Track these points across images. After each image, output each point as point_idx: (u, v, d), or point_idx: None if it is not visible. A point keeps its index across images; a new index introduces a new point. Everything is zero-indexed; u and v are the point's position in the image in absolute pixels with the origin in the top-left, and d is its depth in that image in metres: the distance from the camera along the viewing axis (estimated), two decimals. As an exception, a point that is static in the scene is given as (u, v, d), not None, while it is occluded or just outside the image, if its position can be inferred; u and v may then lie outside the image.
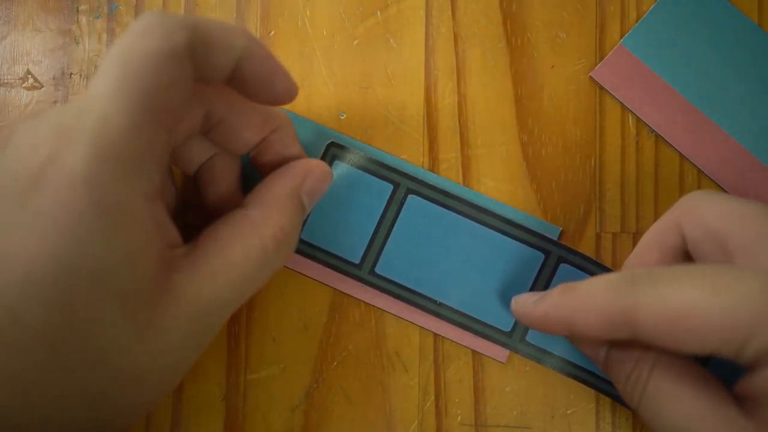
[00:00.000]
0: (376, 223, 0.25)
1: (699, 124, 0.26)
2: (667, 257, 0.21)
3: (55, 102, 0.27)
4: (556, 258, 0.25)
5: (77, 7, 0.27)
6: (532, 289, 0.25)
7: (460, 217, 0.25)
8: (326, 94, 0.26)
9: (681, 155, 0.26)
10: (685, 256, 0.21)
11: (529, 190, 0.26)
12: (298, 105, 0.26)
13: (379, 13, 0.27)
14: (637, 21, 0.26)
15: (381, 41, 0.27)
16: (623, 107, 0.26)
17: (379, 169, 0.25)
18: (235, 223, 0.20)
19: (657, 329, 0.17)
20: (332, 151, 0.25)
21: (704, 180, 0.26)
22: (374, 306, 0.26)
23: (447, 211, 0.25)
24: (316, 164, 0.23)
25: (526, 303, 0.22)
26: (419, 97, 0.26)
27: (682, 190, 0.26)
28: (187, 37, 0.18)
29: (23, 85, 0.27)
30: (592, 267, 0.25)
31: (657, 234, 0.21)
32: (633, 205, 0.26)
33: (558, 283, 0.25)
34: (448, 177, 0.26)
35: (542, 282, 0.25)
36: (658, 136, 0.26)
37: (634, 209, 0.26)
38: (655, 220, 0.25)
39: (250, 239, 0.20)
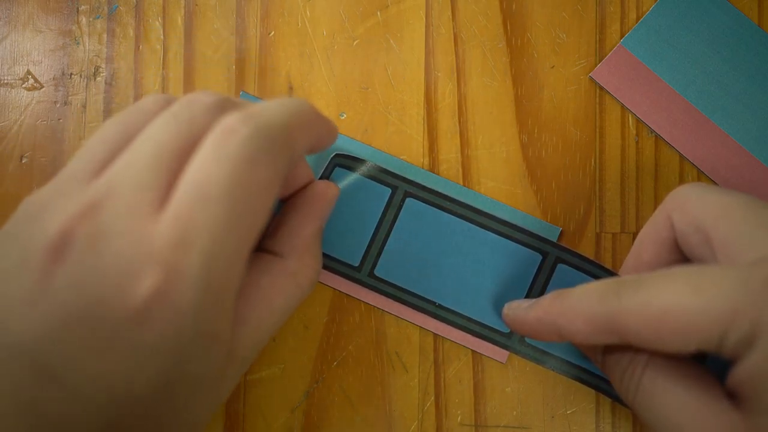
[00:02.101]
0: (374, 227, 0.25)
1: (699, 124, 0.26)
2: (662, 251, 0.21)
3: (55, 102, 0.27)
4: (553, 259, 0.25)
5: (77, 8, 0.27)
6: (530, 289, 0.25)
7: (458, 219, 0.25)
8: (326, 94, 0.26)
9: (681, 155, 0.26)
10: (678, 249, 0.21)
11: (529, 190, 0.26)
12: (298, 105, 0.26)
13: (379, 13, 0.27)
14: (637, 21, 0.26)
15: (381, 41, 0.27)
16: (623, 107, 0.26)
17: (377, 173, 0.25)
18: (274, 273, 0.21)
19: (642, 333, 0.18)
20: (335, 160, 0.26)
21: (704, 180, 0.26)
22: (374, 307, 0.26)
23: (445, 213, 0.25)
24: (330, 191, 0.23)
25: (519, 309, 0.22)
26: (419, 97, 0.26)
27: (682, 191, 0.26)
28: (290, 157, 0.18)
29: (23, 85, 0.27)
30: (590, 267, 0.25)
31: (651, 229, 0.21)
32: (633, 205, 0.26)
33: (556, 283, 0.25)
34: (448, 177, 0.26)
35: (540, 283, 0.25)
36: (658, 136, 0.26)
37: (634, 209, 0.26)
38: (655, 221, 0.25)
39: (291, 290, 0.21)
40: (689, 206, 0.20)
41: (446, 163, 0.26)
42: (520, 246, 0.25)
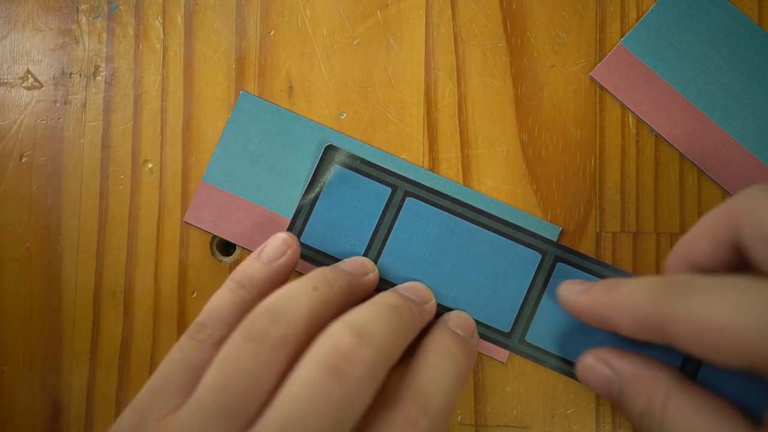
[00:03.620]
0: (374, 226, 0.25)
1: (699, 123, 0.26)
2: (719, 252, 0.20)
3: (54, 102, 0.27)
4: (552, 258, 0.25)
5: (77, 7, 0.27)
6: (530, 288, 0.25)
7: (458, 218, 0.25)
8: (326, 93, 0.26)
9: (681, 155, 0.26)
10: (736, 250, 0.20)
11: (529, 189, 0.26)
12: (298, 104, 0.26)
13: (379, 13, 0.27)
14: (637, 21, 0.26)
15: (381, 41, 0.27)
16: (623, 107, 0.26)
17: (377, 172, 0.25)
18: None
19: (687, 341, 0.18)
20: (330, 154, 0.26)
21: (704, 180, 0.26)
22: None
23: (445, 213, 0.25)
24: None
25: (572, 291, 0.22)
26: (419, 97, 0.26)
27: (682, 190, 0.26)
28: None
29: (23, 84, 0.27)
30: (590, 265, 0.25)
31: (710, 227, 0.20)
32: (633, 205, 0.26)
33: (556, 282, 0.25)
34: (448, 177, 0.26)
35: (540, 282, 0.25)
36: (658, 136, 0.26)
37: (634, 209, 0.26)
38: (655, 220, 0.25)
39: None
40: (761, 215, 0.19)
41: (446, 162, 0.26)
42: (519, 245, 0.25)
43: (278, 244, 0.23)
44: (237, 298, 0.21)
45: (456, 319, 0.24)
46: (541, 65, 0.26)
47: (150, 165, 0.26)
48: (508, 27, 0.26)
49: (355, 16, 0.27)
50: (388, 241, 0.25)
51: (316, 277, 0.21)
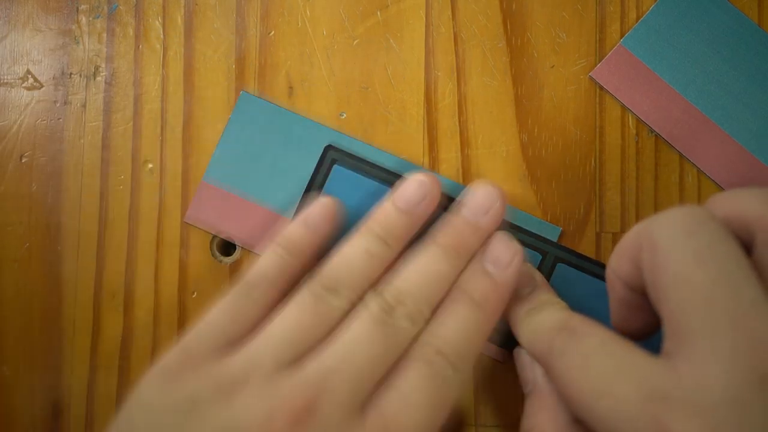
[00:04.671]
0: None
1: (699, 123, 0.26)
2: (635, 271, 0.19)
3: (54, 102, 0.27)
4: (552, 258, 0.25)
5: (77, 7, 0.27)
6: None
7: None
8: (326, 93, 0.26)
9: (681, 155, 0.26)
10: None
11: (528, 189, 0.26)
12: (299, 104, 0.26)
13: (379, 13, 0.27)
14: (637, 21, 0.26)
15: (381, 41, 0.27)
16: (623, 107, 0.26)
17: (377, 171, 0.25)
18: None
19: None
20: (330, 154, 0.25)
21: (704, 180, 0.26)
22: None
23: (445, 213, 0.25)
24: None
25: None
26: (419, 97, 0.26)
27: (682, 190, 0.26)
28: None
29: (23, 84, 0.27)
30: (590, 266, 0.25)
31: (628, 246, 0.19)
32: (633, 205, 0.26)
33: (556, 282, 0.25)
34: (448, 177, 0.26)
35: None
36: (658, 136, 0.26)
37: (634, 209, 0.26)
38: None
39: None
40: (657, 255, 0.17)
41: (446, 162, 0.26)
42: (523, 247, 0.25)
43: (324, 210, 0.24)
44: (283, 262, 0.23)
45: (492, 250, 0.23)
46: (541, 65, 0.26)
47: (150, 165, 0.26)
48: (508, 27, 0.26)
49: (355, 16, 0.27)
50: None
51: (371, 235, 0.23)
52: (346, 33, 0.27)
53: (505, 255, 0.22)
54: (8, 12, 0.27)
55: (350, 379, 0.19)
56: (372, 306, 0.21)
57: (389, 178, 0.25)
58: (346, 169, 0.26)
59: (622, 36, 0.26)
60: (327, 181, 0.26)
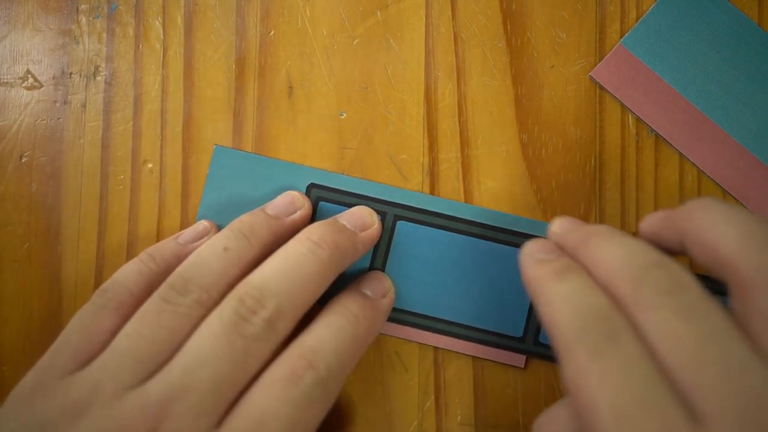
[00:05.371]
0: (370, 255, 0.25)
1: (699, 124, 0.26)
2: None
3: (54, 102, 0.27)
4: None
5: (77, 7, 0.27)
6: None
7: (453, 234, 0.25)
8: (326, 93, 0.26)
9: (681, 155, 0.26)
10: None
11: (529, 190, 0.26)
12: (298, 103, 0.26)
13: (379, 13, 0.27)
14: (637, 20, 0.26)
15: (381, 41, 0.27)
16: (623, 107, 0.26)
17: (362, 201, 0.25)
18: None
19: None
20: (314, 192, 0.25)
21: (704, 180, 0.26)
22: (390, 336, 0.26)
23: (439, 231, 0.25)
24: None
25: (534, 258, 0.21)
26: (419, 97, 0.26)
27: (682, 190, 0.26)
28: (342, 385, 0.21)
29: (23, 84, 0.27)
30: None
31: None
32: (633, 205, 0.26)
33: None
34: (448, 177, 0.26)
35: None
36: (658, 136, 0.26)
37: (634, 209, 0.26)
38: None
39: None
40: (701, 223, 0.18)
41: (446, 162, 0.26)
42: (516, 248, 0.25)
43: (199, 228, 0.24)
44: (144, 267, 0.22)
45: (367, 280, 0.24)
46: (541, 65, 0.26)
47: (150, 165, 0.26)
48: (508, 27, 0.26)
49: (355, 16, 0.27)
50: (386, 267, 0.25)
51: (231, 233, 0.22)
52: (346, 33, 0.27)
53: (381, 287, 0.24)
54: (8, 12, 0.27)
55: (195, 404, 0.18)
56: (225, 311, 0.19)
57: (375, 206, 0.25)
58: (332, 204, 0.25)
59: (622, 36, 0.26)
60: (314, 219, 0.25)
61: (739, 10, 0.26)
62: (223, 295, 0.20)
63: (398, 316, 0.25)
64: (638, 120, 0.26)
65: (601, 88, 0.26)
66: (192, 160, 0.26)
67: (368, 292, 0.23)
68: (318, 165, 0.26)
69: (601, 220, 0.26)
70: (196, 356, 0.19)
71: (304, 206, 0.24)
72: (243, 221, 0.22)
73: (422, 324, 0.25)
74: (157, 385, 0.18)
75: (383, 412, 0.25)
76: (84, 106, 0.27)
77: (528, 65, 0.26)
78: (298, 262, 0.21)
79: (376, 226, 0.24)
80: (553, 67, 0.26)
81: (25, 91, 0.27)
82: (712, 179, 0.26)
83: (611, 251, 0.18)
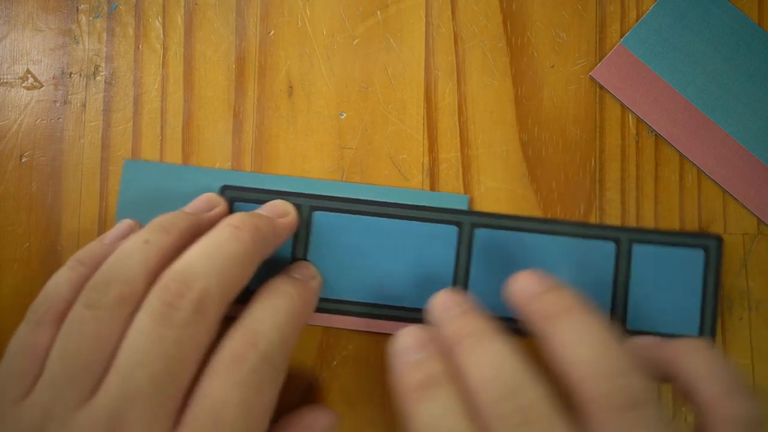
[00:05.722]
0: (291, 248, 0.25)
1: (699, 123, 0.26)
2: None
3: (54, 101, 0.27)
4: (469, 227, 0.25)
5: (77, 7, 0.27)
6: (457, 263, 0.25)
7: (371, 218, 0.25)
8: (326, 93, 0.26)
9: (681, 155, 0.26)
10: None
11: (529, 189, 0.26)
12: (298, 103, 0.26)
13: (379, 13, 0.27)
14: (637, 20, 0.26)
15: (381, 41, 0.27)
16: (623, 107, 0.26)
17: (278, 197, 0.25)
18: None
19: None
20: (228, 193, 0.25)
21: (704, 180, 0.26)
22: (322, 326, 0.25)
23: (356, 216, 0.25)
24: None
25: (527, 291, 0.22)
26: (419, 97, 0.26)
27: (682, 190, 0.26)
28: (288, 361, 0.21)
29: (23, 84, 0.27)
30: (507, 223, 0.25)
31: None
32: (633, 205, 0.26)
33: (480, 249, 0.25)
34: (448, 177, 0.26)
35: (464, 254, 0.25)
36: (658, 136, 0.26)
37: (634, 209, 0.26)
38: (655, 220, 0.25)
39: None
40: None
41: (446, 162, 0.26)
42: (434, 225, 0.25)
43: (123, 227, 0.24)
44: (74, 274, 0.21)
45: (294, 267, 0.24)
46: (541, 65, 0.26)
47: (150, 165, 0.26)
48: (508, 27, 0.26)
49: (355, 16, 0.27)
50: (308, 257, 0.25)
51: (151, 228, 0.21)
52: (346, 33, 0.27)
53: (308, 271, 0.24)
54: (8, 12, 0.27)
55: (143, 411, 0.17)
56: (152, 303, 0.19)
57: (290, 200, 0.25)
58: (247, 203, 0.25)
59: (622, 36, 0.26)
60: None
61: (739, 10, 0.26)
62: (147, 289, 0.20)
63: (326, 305, 0.25)
64: (638, 120, 0.26)
65: (601, 88, 0.26)
66: (192, 161, 0.26)
67: (297, 275, 0.23)
68: (318, 165, 0.26)
69: (601, 219, 0.26)
70: (129, 361, 0.18)
71: (220, 204, 0.24)
72: (162, 218, 0.22)
73: (353, 311, 0.25)
74: (101, 401, 0.18)
75: (383, 412, 0.25)
76: (84, 105, 0.27)
77: (528, 65, 0.26)
78: (220, 244, 0.20)
79: (293, 214, 0.24)
80: (553, 67, 0.26)
81: (25, 91, 0.27)
82: (712, 179, 0.26)
83: (480, 362, 0.19)
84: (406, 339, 0.20)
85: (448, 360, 0.19)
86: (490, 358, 0.19)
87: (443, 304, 0.21)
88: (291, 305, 0.21)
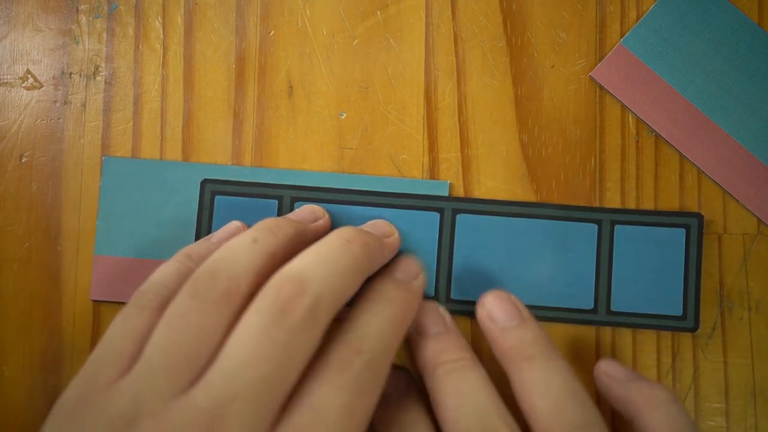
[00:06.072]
0: None
1: (699, 123, 0.26)
2: None
3: (54, 102, 0.27)
4: (450, 212, 0.25)
5: (77, 7, 0.27)
6: (439, 249, 0.25)
7: (351, 207, 0.25)
8: (326, 93, 0.26)
9: (681, 155, 0.26)
10: None
11: (529, 190, 0.26)
12: (298, 103, 0.26)
13: (379, 13, 0.27)
14: (637, 21, 0.26)
15: (381, 41, 0.27)
16: (623, 107, 0.26)
17: (259, 189, 0.25)
18: None
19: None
20: (209, 187, 0.25)
21: (704, 180, 0.26)
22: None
23: (335, 206, 0.25)
24: None
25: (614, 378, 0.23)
26: (419, 97, 0.26)
27: (682, 190, 0.26)
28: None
29: (23, 84, 0.27)
30: (489, 207, 0.25)
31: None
32: (633, 205, 0.26)
33: (462, 235, 0.25)
34: (448, 177, 0.26)
35: (446, 239, 0.25)
36: (658, 136, 0.26)
37: (634, 209, 0.26)
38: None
39: None
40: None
41: (446, 162, 0.26)
42: (416, 212, 0.25)
43: (231, 228, 0.24)
44: (182, 267, 0.21)
45: (396, 265, 0.24)
46: (541, 65, 0.26)
47: (150, 165, 0.26)
48: (508, 27, 0.26)
49: (355, 16, 0.27)
50: None
51: (258, 228, 0.21)
52: (346, 33, 0.27)
53: (412, 269, 0.23)
54: (8, 12, 0.27)
55: (245, 410, 0.17)
56: (263, 303, 0.19)
57: (270, 192, 0.25)
58: (228, 197, 0.25)
59: (622, 36, 0.26)
60: (213, 214, 0.25)
61: (739, 10, 0.26)
62: (252, 289, 0.20)
63: None
64: (638, 120, 0.26)
65: (601, 88, 0.26)
66: (192, 161, 0.26)
67: (400, 275, 0.23)
68: (318, 165, 0.26)
69: (601, 220, 0.26)
70: (236, 359, 0.18)
71: (324, 216, 0.25)
72: (270, 220, 0.22)
73: None
74: (202, 394, 0.17)
75: (383, 412, 0.25)
76: (84, 106, 0.27)
77: (528, 65, 0.26)
78: (334, 252, 0.20)
79: (396, 234, 0.24)
80: (553, 67, 0.26)
81: (25, 91, 0.27)
82: (712, 179, 0.26)
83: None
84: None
85: None
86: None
87: (501, 312, 0.23)
88: (393, 312, 0.21)
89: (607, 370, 0.23)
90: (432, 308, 0.24)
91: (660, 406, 0.21)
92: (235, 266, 0.20)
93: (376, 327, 0.20)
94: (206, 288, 0.19)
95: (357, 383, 0.19)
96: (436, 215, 0.25)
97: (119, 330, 0.19)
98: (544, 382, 0.20)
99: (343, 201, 0.25)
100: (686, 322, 0.25)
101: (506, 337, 0.22)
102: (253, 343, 0.18)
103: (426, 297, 0.25)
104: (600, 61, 0.26)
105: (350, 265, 0.20)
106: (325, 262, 0.20)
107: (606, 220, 0.25)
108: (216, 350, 0.18)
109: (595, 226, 0.25)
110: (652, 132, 0.26)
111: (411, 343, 0.24)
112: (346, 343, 0.20)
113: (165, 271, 0.21)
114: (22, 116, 0.27)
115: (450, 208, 0.25)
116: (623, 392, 0.22)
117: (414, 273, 0.23)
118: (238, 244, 0.20)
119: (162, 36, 0.27)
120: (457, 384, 0.21)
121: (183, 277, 0.21)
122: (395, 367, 0.25)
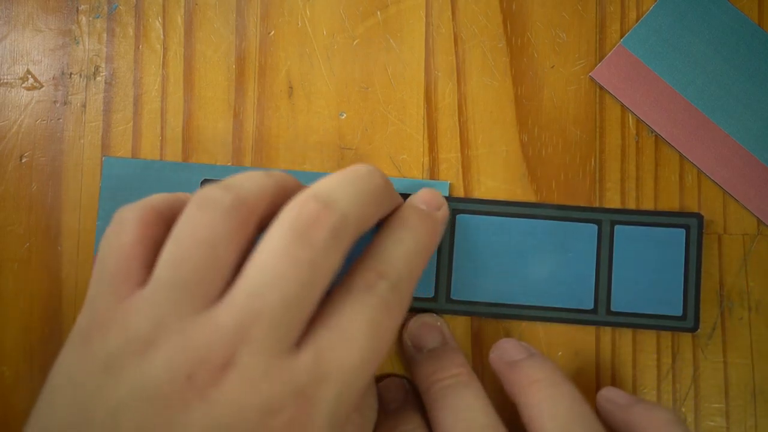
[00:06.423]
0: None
1: (699, 124, 0.26)
2: None
3: (54, 102, 0.27)
4: (450, 212, 0.25)
5: (77, 7, 0.27)
6: (439, 249, 0.25)
7: None
8: (326, 93, 0.26)
9: (681, 155, 0.26)
10: None
11: (529, 190, 0.26)
12: (298, 103, 0.26)
13: (379, 13, 0.27)
14: (637, 21, 0.26)
15: (381, 41, 0.27)
16: (623, 107, 0.26)
17: None
18: None
19: None
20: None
21: (704, 180, 0.26)
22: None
23: None
24: None
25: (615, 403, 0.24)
26: (419, 97, 0.26)
27: (682, 190, 0.26)
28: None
29: (23, 84, 0.27)
30: (487, 207, 0.25)
31: None
32: (633, 205, 0.26)
33: (460, 233, 0.25)
34: (448, 177, 0.26)
35: (446, 238, 0.25)
36: (658, 136, 0.26)
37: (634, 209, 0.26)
38: (655, 220, 0.25)
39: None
40: None
41: (446, 162, 0.26)
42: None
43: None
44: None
45: (421, 195, 0.23)
46: (541, 65, 0.26)
47: (150, 165, 0.26)
48: (508, 27, 0.26)
49: (355, 16, 0.27)
50: None
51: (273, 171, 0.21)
52: (346, 33, 0.27)
53: (436, 200, 0.23)
54: (8, 12, 0.27)
55: (270, 328, 0.17)
56: (285, 220, 0.18)
57: None
58: None
59: (622, 36, 0.26)
60: None
61: (739, 10, 0.26)
62: (265, 212, 0.19)
63: None
64: (638, 120, 0.26)
65: (601, 88, 0.26)
66: (192, 161, 0.26)
67: (423, 206, 0.23)
68: (318, 165, 0.26)
69: (601, 220, 0.26)
70: (259, 279, 0.17)
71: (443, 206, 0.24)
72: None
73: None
74: (225, 312, 0.17)
75: (383, 412, 0.25)
76: (84, 106, 0.27)
77: (528, 65, 0.26)
78: (360, 177, 0.20)
79: (445, 205, 0.24)
80: (553, 67, 0.26)
81: (25, 91, 0.27)
82: (712, 179, 0.26)
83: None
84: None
85: None
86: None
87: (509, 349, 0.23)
88: (417, 239, 0.21)
89: (607, 396, 0.23)
90: (429, 322, 0.24)
91: (663, 427, 0.21)
92: (246, 183, 0.19)
93: (401, 252, 0.20)
94: (215, 198, 0.18)
95: (383, 303, 0.19)
96: None
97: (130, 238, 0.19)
98: (551, 405, 0.20)
99: None
100: (686, 322, 0.25)
101: (514, 368, 0.22)
102: (277, 261, 0.17)
103: (426, 297, 0.25)
104: (600, 61, 0.26)
105: (376, 190, 0.20)
106: (352, 184, 0.19)
107: (606, 221, 0.25)
108: (231, 266, 0.18)
109: (595, 227, 0.25)
110: (652, 132, 0.26)
111: (408, 359, 0.24)
112: (370, 267, 0.19)
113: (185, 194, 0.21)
114: (22, 116, 0.27)
115: (450, 209, 0.25)
116: (625, 417, 0.22)
117: (437, 204, 0.23)
118: (252, 172, 0.20)
119: (162, 36, 0.27)
120: (453, 401, 0.21)
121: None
122: (394, 377, 0.25)
